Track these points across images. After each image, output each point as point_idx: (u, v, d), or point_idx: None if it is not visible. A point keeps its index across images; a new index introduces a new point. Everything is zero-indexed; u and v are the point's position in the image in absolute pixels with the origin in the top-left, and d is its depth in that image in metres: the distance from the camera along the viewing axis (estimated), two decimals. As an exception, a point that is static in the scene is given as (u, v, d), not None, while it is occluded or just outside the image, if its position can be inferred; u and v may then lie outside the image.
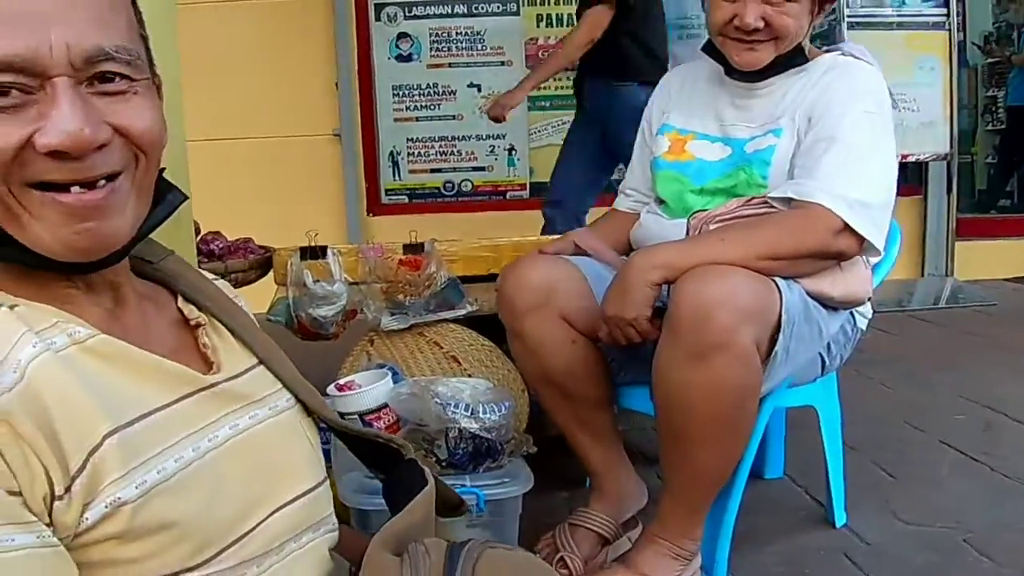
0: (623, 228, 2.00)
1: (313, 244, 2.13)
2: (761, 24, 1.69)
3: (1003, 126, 7.38)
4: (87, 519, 0.72)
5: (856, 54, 1.80)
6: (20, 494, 0.69)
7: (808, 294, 1.63)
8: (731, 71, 1.82)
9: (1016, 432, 2.59)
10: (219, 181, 4.12)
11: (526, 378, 1.93)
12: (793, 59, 1.76)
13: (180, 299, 0.95)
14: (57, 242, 0.76)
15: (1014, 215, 6.73)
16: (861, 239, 1.62)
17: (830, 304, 1.70)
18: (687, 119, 1.89)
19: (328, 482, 0.97)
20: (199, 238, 2.21)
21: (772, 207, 1.67)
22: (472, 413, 1.63)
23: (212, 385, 0.86)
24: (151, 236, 0.90)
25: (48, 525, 0.71)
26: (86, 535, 0.72)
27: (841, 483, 2.00)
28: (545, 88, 4.95)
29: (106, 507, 0.72)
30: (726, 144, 1.82)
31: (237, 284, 2.06)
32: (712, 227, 1.67)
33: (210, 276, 1.03)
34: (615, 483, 1.89)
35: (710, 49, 1.84)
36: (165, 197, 0.88)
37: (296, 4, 4.58)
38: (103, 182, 0.76)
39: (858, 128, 1.67)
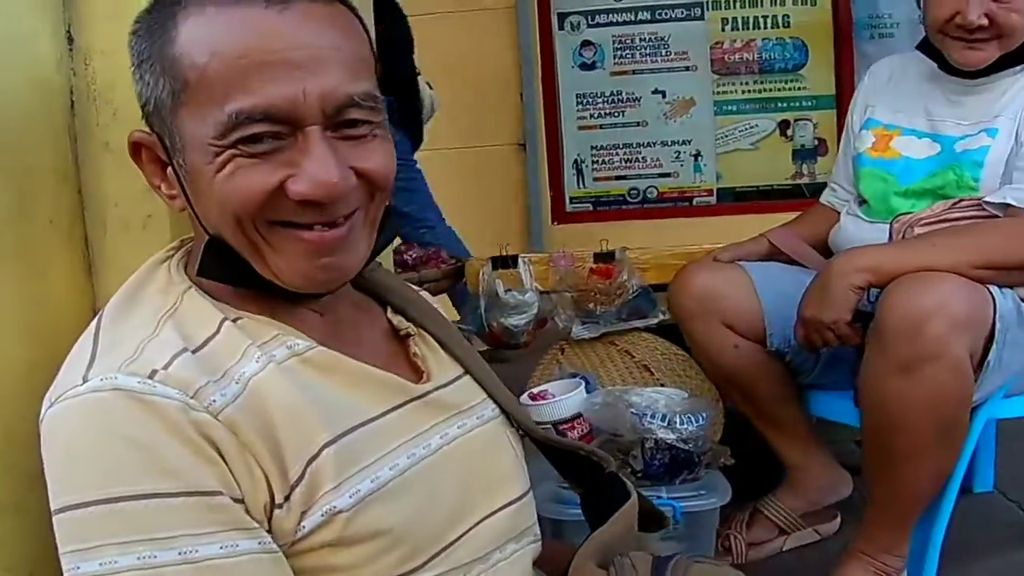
0: (827, 223, 1.90)
1: (504, 254, 2.12)
2: (985, 21, 1.57)
3: None
4: (304, 527, 0.72)
5: None
6: (243, 501, 0.70)
7: (1022, 299, 1.53)
8: (948, 68, 1.70)
9: None
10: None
11: (708, 377, 1.91)
12: (1020, 57, 1.63)
13: (390, 310, 0.94)
14: (297, 275, 0.77)
15: None
16: None
17: None
18: (894, 113, 1.79)
19: (531, 493, 0.95)
20: (394, 250, 2.24)
21: (981, 211, 1.58)
22: (668, 423, 1.57)
23: (424, 395, 0.85)
24: None
25: (267, 532, 0.71)
26: (302, 542, 0.73)
27: (1059, 497, 1.85)
28: (731, 92, 4.82)
29: (322, 516, 0.72)
30: (935, 141, 1.71)
31: (432, 293, 2.08)
32: (917, 231, 1.58)
33: (415, 288, 1.03)
34: (807, 474, 1.86)
35: (925, 48, 1.74)
36: (385, 223, 0.87)
37: (481, 16, 4.61)
38: (342, 219, 0.77)
39: None
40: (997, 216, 1.56)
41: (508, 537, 0.88)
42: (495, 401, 0.95)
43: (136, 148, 0.80)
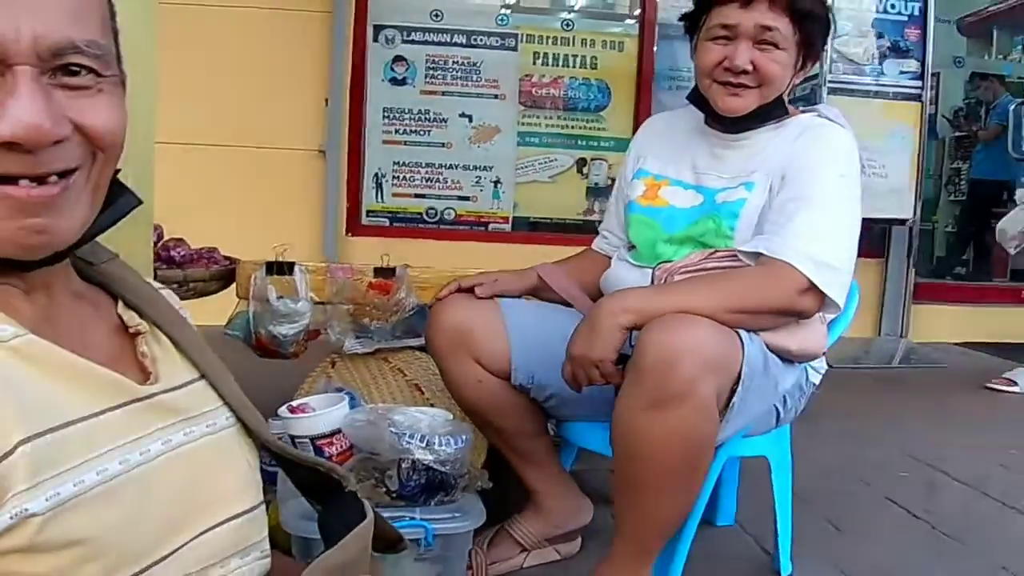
0: (595, 268, 1.98)
1: (281, 259, 2.06)
2: (750, 67, 1.68)
3: (964, 197, 7.52)
4: None
5: (831, 117, 1.79)
6: None
7: (767, 347, 1.62)
8: (712, 120, 1.81)
9: (957, 491, 2.59)
10: (196, 187, 4.05)
11: (460, 407, 1.93)
12: (773, 110, 1.75)
13: (120, 305, 0.88)
14: (1, 237, 0.71)
15: (969, 282, 6.80)
16: (822, 299, 1.61)
17: (787, 357, 1.68)
18: (663, 164, 1.87)
19: (263, 506, 0.90)
20: (160, 243, 2.12)
21: (735, 260, 1.66)
22: (427, 444, 1.56)
23: (147, 396, 0.80)
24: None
25: None
26: None
27: (788, 534, 1.96)
28: (535, 124, 4.94)
29: (11, 518, 0.65)
30: (698, 192, 1.79)
31: (196, 294, 1.98)
32: (677, 278, 1.65)
33: (156, 285, 0.96)
34: (552, 500, 1.92)
35: (694, 98, 1.83)
36: (118, 200, 0.82)
37: (295, 17, 4.50)
38: (55, 178, 0.71)
39: (830, 191, 1.66)
40: (749, 265, 1.64)
41: (231, 551, 0.83)
42: (231, 409, 0.90)
43: None
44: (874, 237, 4.94)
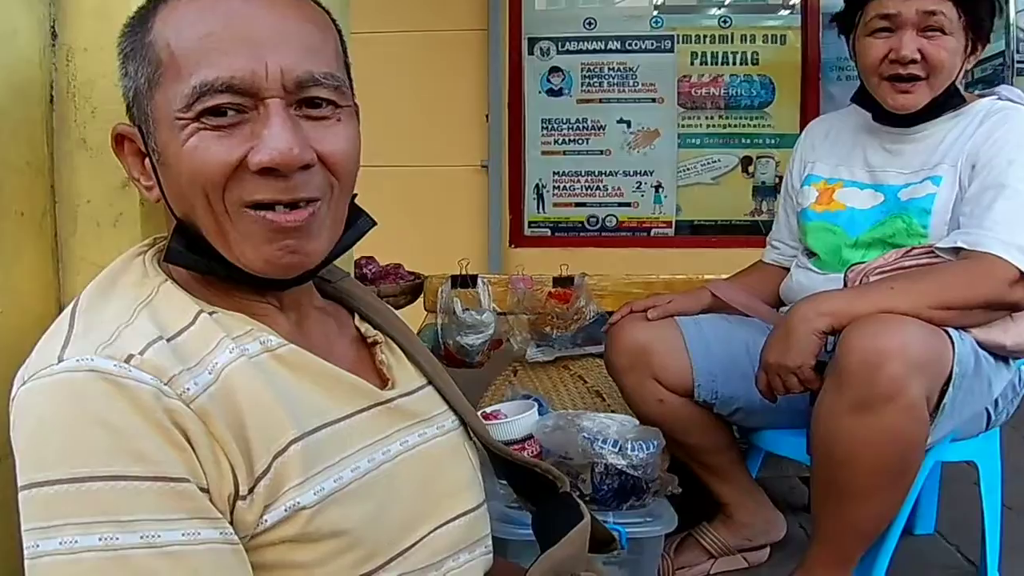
0: (768, 280, 1.98)
1: (464, 273, 2.15)
2: (918, 56, 1.64)
3: None
4: (266, 520, 0.74)
5: (1014, 98, 1.73)
6: (208, 491, 0.72)
7: (979, 344, 1.56)
8: (882, 117, 1.77)
9: None
10: (371, 206, 4.23)
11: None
12: (949, 100, 1.70)
13: (357, 318, 0.97)
14: (260, 258, 0.80)
15: None
16: None
17: (1001, 353, 1.62)
18: (834, 168, 1.85)
19: (486, 505, 0.97)
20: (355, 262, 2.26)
21: (935, 257, 1.61)
22: (619, 449, 1.59)
23: (388, 401, 0.89)
24: None
25: (229, 523, 0.73)
26: (263, 536, 0.75)
27: (997, 542, 1.88)
28: (695, 125, 4.92)
29: (285, 511, 0.74)
30: (877, 191, 1.76)
31: (388, 309, 2.10)
32: (873, 279, 1.62)
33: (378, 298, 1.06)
34: (743, 514, 1.92)
35: (860, 99, 1.80)
36: (355, 221, 0.91)
37: (451, 37, 4.65)
38: (304, 203, 0.79)
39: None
40: (949, 260, 1.59)
41: (461, 546, 0.90)
42: (456, 413, 0.98)
43: (119, 141, 0.84)
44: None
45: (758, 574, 1.94)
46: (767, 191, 4.79)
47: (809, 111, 4.73)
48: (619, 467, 1.59)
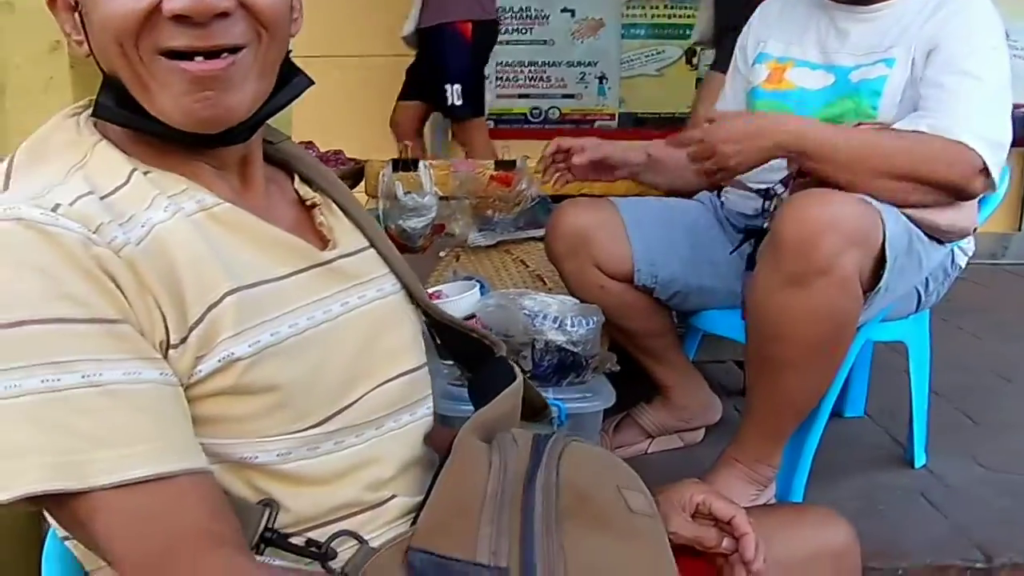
0: None
1: (405, 156, 2.13)
2: None
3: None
4: (200, 371, 0.75)
5: None
6: (143, 335, 0.73)
7: (912, 221, 1.59)
8: None
9: None
10: (311, 98, 4.13)
11: None
12: None
13: (297, 180, 0.97)
14: (179, 110, 0.78)
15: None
16: (990, 181, 1.58)
17: (935, 234, 1.65)
18: (786, 46, 1.84)
19: (427, 367, 0.99)
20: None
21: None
22: (560, 325, 1.61)
23: (328, 262, 0.89)
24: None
25: None
26: (198, 387, 0.76)
27: (924, 424, 1.97)
28: (640, 16, 4.86)
29: (219, 361, 0.75)
30: (829, 71, 1.76)
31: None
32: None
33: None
34: (681, 396, 1.98)
35: None
36: (291, 80, 0.89)
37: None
38: (225, 54, 0.78)
39: (988, 65, 1.62)
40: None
41: (401, 405, 0.92)
42: (397, 276, 0.98)
43: None
44: (1016, 125, 4.70)
45: (693, 453, 2.00)
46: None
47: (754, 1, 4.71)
48: (559, 343, 1.61)
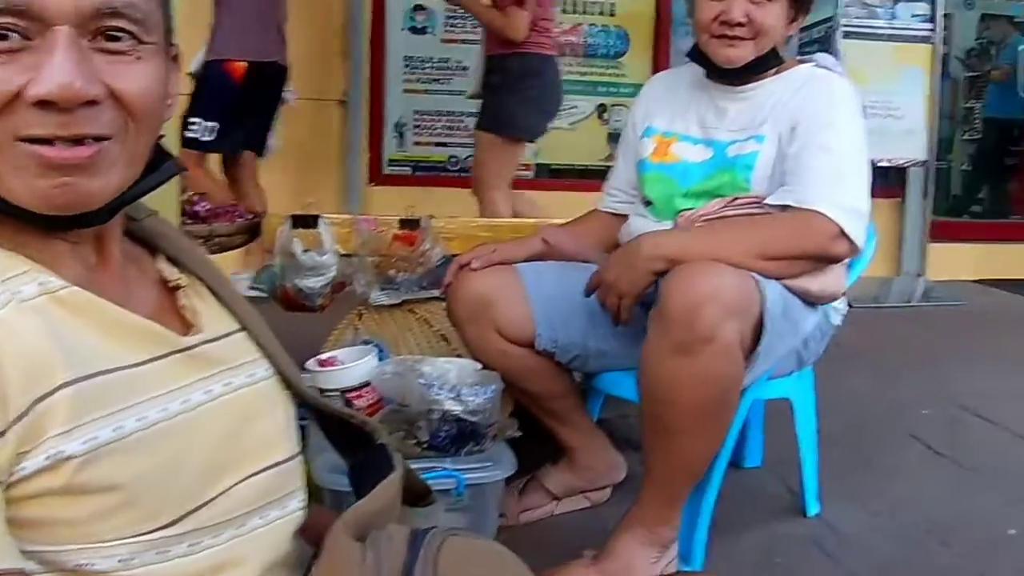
0: (604, 227, 1.98)
1: (306, 213, 2.00)
2: (745, 20, 1.70)
3: (979, 136, 7.39)
4: (23, 468, 0.66)
5: (830, 66, 1.81)
6: None
7: (788, 289, 1.63)
8: (713, 74, 1.81)
9: (980, 428, 2.60)
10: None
11: None
12: (769, 61, 1.77)
13: (161, 259, 0.87)
14: (33, 194, 0.70)
15: (985, 220, 6.77)
16: (851, 244, 1.63)
17: (808, 299, 1.69)
18: (671, 122, 1.87)
19: (300, 457, 0.89)
20: (184, 198, 2.06)
21: (757, 208, 1.69)
22: (456, 395, 1.53)
23: (189, 348, 0.79)
24: None
25: None
26: (22, 486, 0.66)
27: (814, 474, 1.96)
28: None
29: (46, 459, 0.66)
30: (708, 146, 1.80)
31: (221, 249, 1.94)
32: (698, 225, 1.70)
33: (187, 239, 0.95)
34: (586, 457, 1.93)
35: (694, 54, 1.83)
36: (161, 165, 0.80)
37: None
38: (90, 140, 0.69)
39: (844, 139, 1.69)
40: (776, 213, 1.66)
41: (270, 499, 0.82)
42: (270, 361, 0.89)
43: None
44: (891, 178, 4.90)
45: (600, 513, 1.93)
46: (620, 138, 4.79)
47: (660, 63, 4.77)
48: (456, 413, 1.53)
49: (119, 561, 0.69)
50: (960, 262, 5.15)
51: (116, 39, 0.70)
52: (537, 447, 1.82)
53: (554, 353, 1.78)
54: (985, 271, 5.21)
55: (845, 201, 1.62)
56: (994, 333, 3.94)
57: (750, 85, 1.78)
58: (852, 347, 3.19)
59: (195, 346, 0.80)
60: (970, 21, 7.38)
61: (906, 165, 4.68)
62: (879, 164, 4.40)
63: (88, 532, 0.68)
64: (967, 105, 7.64)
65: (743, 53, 1.73)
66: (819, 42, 4.64)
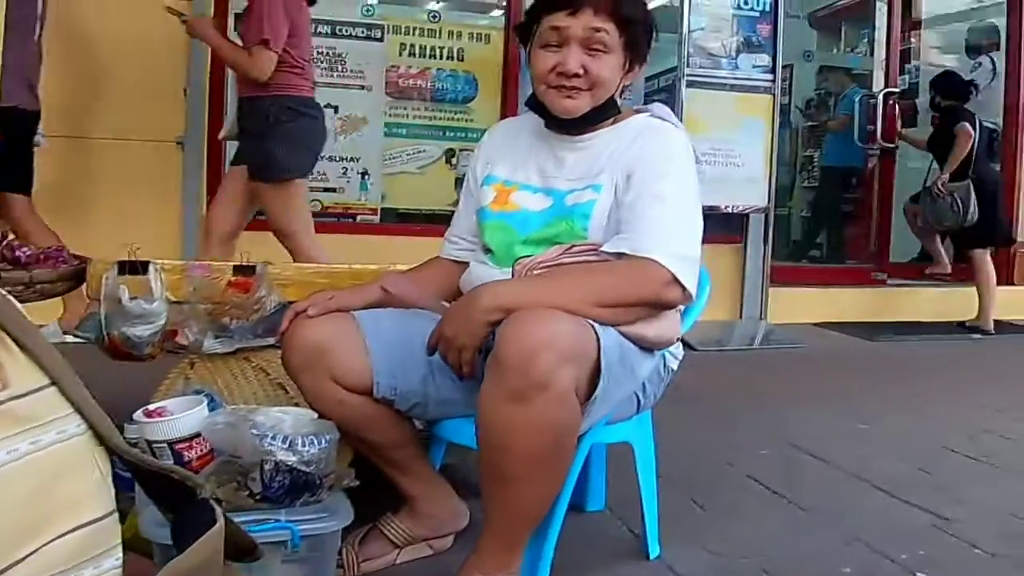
0: (445, 275, 2.01)
1: (133, 258, 1.96)
2: (581, 71, 1.75)
3: (817, 183, 7.82)
4: None
5: (664, 116, 1.88)
6: None
7: (625, 336, 1.67)
8: (552, 124, 1.86)
9: (814, 468, 2.71)
10: (48, 181, 3.87)
11: None
12: (606, 111, 1.82)
13: None
14: None
15: (823, 265, 7.13)
16: (683, 290, 1.68)
17: (644, 345, 1.73)
18: (512, 171, 1.91)
19: (116, 515, 0.89)
20: (4, 243, 1.99)
21: (594, 255, 1.73)
22: (290, 445, 1.52)
23: None
24: None
25: None
26: None
27: (655, 516, 2.01)
28: (402, 115, 4.90)
29: None
30: (547, 195, 1.84)
31: (43, 296, 1.86)
32: (536, 272, 1.72)
33: None
34: (428, 506, 1.93)
35: (533, 104, 1.88)
36: None
37: (154, 4, 4.33)
38: None
39: (677, 188, 1.74)
40: (609, 260, 1.71)
41: (82, 559, 0.82)
42: (82, 416, 0.88)
43: None
44: (733, 223, 5.12)
45: (442, 560, 1.94)
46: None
47: (509, 109, 4.90)
48: (290, 463, 1.52)
49: None
50: (799, 306, 5.42)
51: None
52: (380, 493, 1.82)
53: (393, 401, 1.78)
54: (823, 314, 5.51)
55: (678, 249, 1.67)
56: (830, 375, 4.17)
57: (587, 135, 1.83)
58: (693, 390, 3.33)
59: (1, 403, 0.79)
60: (809, 72, 7.88)
61: (747, 211, 4.91)
62: (721, 210, 4.67)
63: None
64: (806, 153, 8.11)
65: (580, 104, 1.78)
66: (665, 91, 4.87)
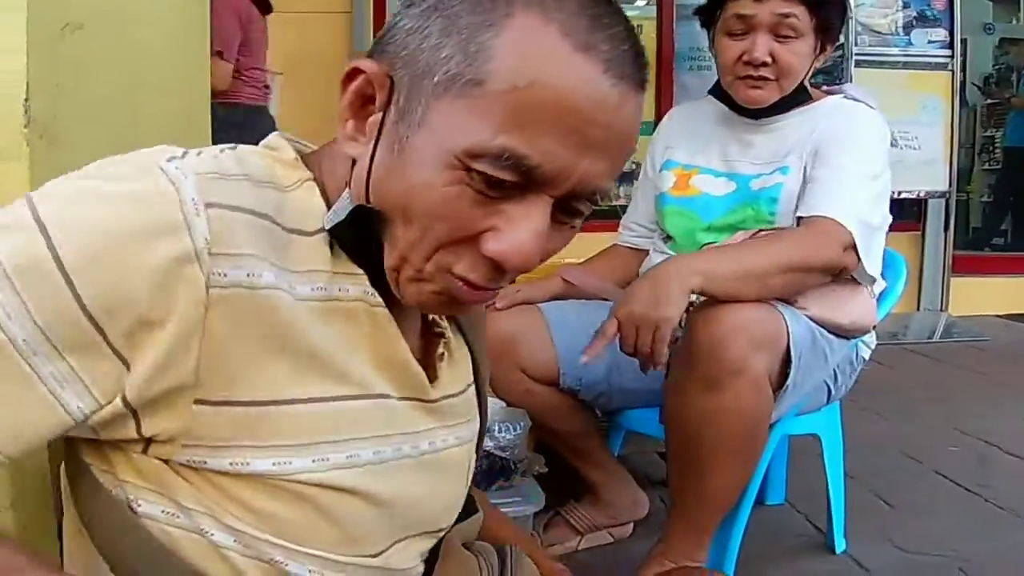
0: (623, 263, 2.04)
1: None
2: (769, 60, 1.74)
3: (999, 166, 7.47)
4: (202, 460, 0.67)
5: (859, 97, 1.85)
6: (127, 364, 0.64)
7: (817, 322, 1.66)
8: (736, 109, 1.86)
9: (1008, 464, 2.64)
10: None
11: None
12: (797, 97, 1.81)
13: None
14: (419, 302, 0.73)
15: (1008, 253, 6.81)
16: (858, 256, 1.66)
17: (839, 332, 1.72)
18: (691, 154, 1.92)
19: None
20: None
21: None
22: (488, 431, 1.61)
23: (433, 400, 0.81)
24: None
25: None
26: (189, 452, 0.68)
27: (842, 510, 2.01)
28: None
29: (231, 464, 0.68)
30: (731, 179, 1.85)
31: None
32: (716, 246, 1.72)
33: None
34: (609, 494, 1.99)
35: (716, 92, 1.89)
36: None
37: (314, 19, 4.56)
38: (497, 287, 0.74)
39: (859, 158, 1.72)
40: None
41: (416, 563, 0.86)
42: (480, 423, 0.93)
43: (354, 73, 0.72)
44: (910, 210, 4.95)
45: (623, 548, 2.01)
46: (624, 176, 4.90)
47: (664, 100, 4.88)
48: (487, 449, 1.61)
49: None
50: (983, 296, 5.19)
51: (573, 215, 0.71)
52: (562, 482, 1.91)
53: (578, 391, 1.85)
54: (1008, 305, 5.25)
55: (857, 211, 1.64)
56: (1020, 369, 4.00)
57: (775, 117, 1.82)
58: (871, 384, 3.22)
59: (437, 400, 0.81)
60: (987, 46, 7.53)
61: (925, 197, 4.75)
62: (897, 196, 4.52)
63: (285, 531, 0.70)
64: (986, 134, 7.75)
65: (767, 95, 1.77)
66: (825, 72, 4.77)
